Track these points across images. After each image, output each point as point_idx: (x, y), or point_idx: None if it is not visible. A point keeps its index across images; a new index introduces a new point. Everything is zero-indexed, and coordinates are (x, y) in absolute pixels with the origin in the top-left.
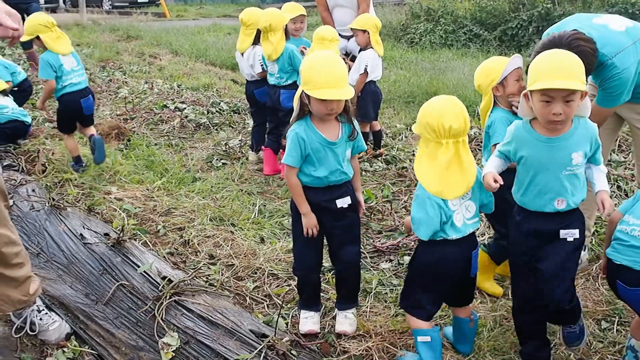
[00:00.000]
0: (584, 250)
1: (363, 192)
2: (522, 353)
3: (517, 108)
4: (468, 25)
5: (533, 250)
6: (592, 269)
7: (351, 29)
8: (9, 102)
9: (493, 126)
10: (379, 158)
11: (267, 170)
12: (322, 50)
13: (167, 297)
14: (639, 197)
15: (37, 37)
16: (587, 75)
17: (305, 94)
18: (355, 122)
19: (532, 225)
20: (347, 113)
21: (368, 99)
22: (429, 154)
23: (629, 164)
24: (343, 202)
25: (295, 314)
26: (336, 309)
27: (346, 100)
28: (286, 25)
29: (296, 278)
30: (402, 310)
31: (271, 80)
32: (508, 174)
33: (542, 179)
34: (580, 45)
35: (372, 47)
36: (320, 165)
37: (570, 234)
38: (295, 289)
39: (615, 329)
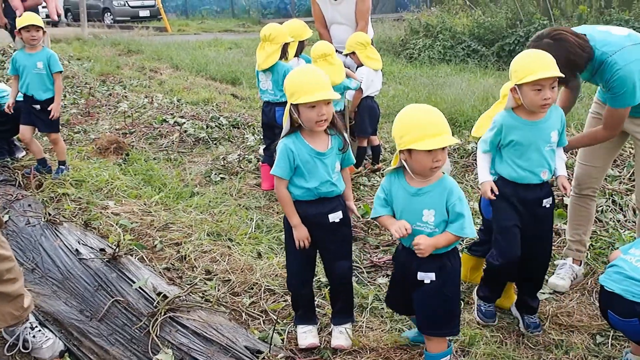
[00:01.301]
0: (579, 265)
1: (361, 206)
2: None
3: None
4: (466, 41)
5: (521, 217)
6: (588, 283)
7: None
8: (7, 87)
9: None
10: (377, 172)
11: (265, 186)
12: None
13: (162, 313)
14: None
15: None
16: (572, 70)
17: (294, 106)
18: (346, 135)
19: (521, 196)
20: (335, 125)
21: (365, 114)
22: None
23: (623, 179)
24: (335, 217)
25: (291, 330)
26: (332, 324)
27: (334, 114)
28: (286, 44)
29: (290, 293)
30: (454, 333)
31: (265, 97)
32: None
33: (530, 156)
34: (561, 34)
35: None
36: (311, 177)
37: (548, 202)
38: (291, 304)
39: (610, 343)
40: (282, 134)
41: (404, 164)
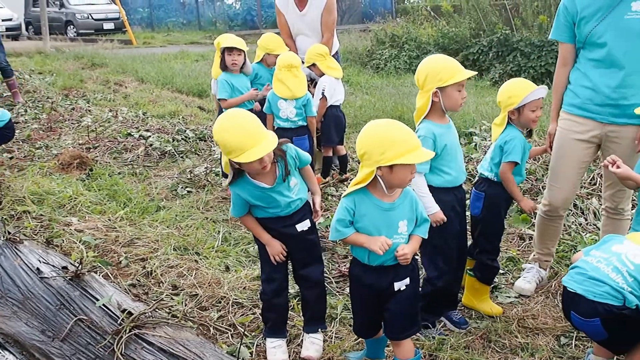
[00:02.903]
0: (545, 270)
1: (329, 216)
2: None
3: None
4: (431, 51)
5: (455, 217)
6: (552, 286)
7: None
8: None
9: (511, 143)
10: (345, 182)
11: None
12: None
13: (127, 331)
14: (607, 239)
15: None
16: None
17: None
18: (289, 148)
19: (458, 198)
20: (276, 154)
21: (330, 123)
22: None
23: (584, 183)
24: (303, 226)
25: (260, 343)
26: (303, 333)
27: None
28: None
29: (261, 305)
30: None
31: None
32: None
33: (459, 157)
34: None
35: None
36: (271, 207)
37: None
38: (260, 317)
39: (573, 344)
40: (229, 180)
41: (380, 179)
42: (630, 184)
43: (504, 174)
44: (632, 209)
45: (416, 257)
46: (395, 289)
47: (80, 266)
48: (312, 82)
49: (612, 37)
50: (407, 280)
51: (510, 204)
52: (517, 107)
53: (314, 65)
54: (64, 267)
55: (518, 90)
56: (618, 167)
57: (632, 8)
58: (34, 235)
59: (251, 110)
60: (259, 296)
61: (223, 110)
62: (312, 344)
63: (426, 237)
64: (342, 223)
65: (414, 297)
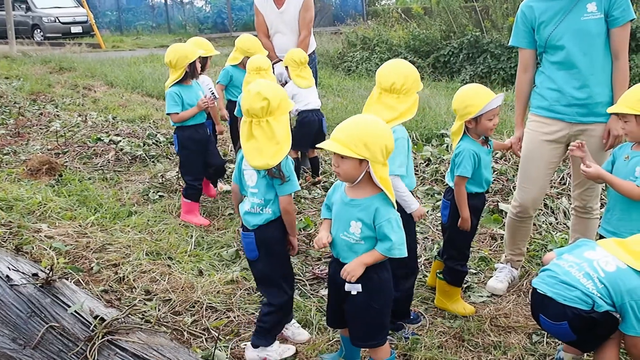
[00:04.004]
0: (516, 269)
1: (302, 219)
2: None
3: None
4: (403, 53)
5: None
6: (523, 285)
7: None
8: None
9: (460, 157)
10: (318, 185)
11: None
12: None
13: (100, 337)
14: (580, 244)
15: None
16: None
17: None
18: None
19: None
20: None
21: (298, 127)
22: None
23: (554, 183)
24: None
25: (234, 346)
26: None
27: None
28: (194, 62)
29: (282, 311)
30: (383, 343)
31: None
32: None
33: (410, 159)
34: None
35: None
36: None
37: None
38: (234, 320)
39: (545, 342)
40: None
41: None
42: (601, 182)
43: (455, 186)
44: (601, 208)
45: (376, 273)
46: (346, 289)
47: (51, 273)
48: (286, 84)
49: (570, 39)
50: (358, 287)
51: (481, 212)
52: (474, 117)
53: (287, 67)
54: (35, 274)
55: (475, 99)
56: (588, 166)
57: (587, 9)
58: (2, 243)
59: (208, 117)
60: (285, 302)
61: (174, 124)
62: (299, 328)
63: (388, 255)
64: (324, 205)
65: (367, 309)
